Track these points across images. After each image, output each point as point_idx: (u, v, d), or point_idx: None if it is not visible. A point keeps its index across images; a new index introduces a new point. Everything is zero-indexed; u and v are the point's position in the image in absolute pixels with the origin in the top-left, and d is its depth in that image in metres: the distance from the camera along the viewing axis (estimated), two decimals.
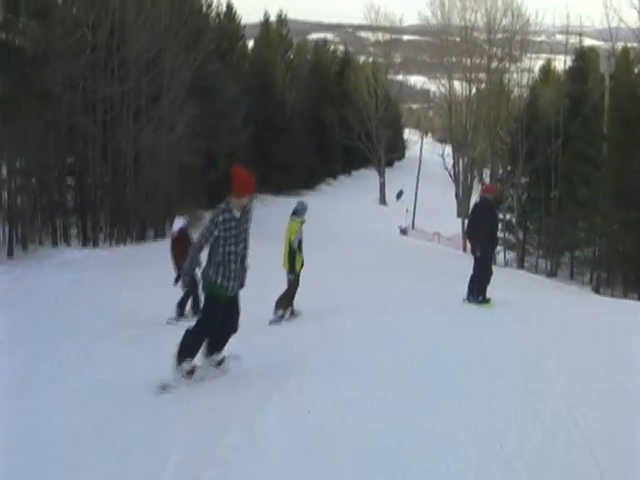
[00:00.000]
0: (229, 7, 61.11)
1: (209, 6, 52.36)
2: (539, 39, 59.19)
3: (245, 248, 9.12)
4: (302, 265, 14.45)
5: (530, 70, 54.50)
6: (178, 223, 16.30)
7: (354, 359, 10.15)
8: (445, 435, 7.00)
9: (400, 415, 7.58)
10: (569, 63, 48.86)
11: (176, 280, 14.92)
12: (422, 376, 9.01)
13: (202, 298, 10.09)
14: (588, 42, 55.69)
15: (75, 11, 33.23)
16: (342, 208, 57.34)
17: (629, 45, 44.18)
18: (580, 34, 50.04)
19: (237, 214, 9.08)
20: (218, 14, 57.76)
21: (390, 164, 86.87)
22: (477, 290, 15.51)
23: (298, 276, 14.39)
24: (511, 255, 46.23)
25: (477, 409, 7.73)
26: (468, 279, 15.74)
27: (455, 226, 51.17)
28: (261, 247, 24.10)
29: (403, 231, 52.57)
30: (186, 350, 8.94)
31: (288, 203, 56.75)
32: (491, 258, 16.30)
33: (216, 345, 9.21)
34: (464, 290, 15.85)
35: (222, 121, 44.02)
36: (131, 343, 12.13)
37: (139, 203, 34.58)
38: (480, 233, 15.49)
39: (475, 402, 7.96)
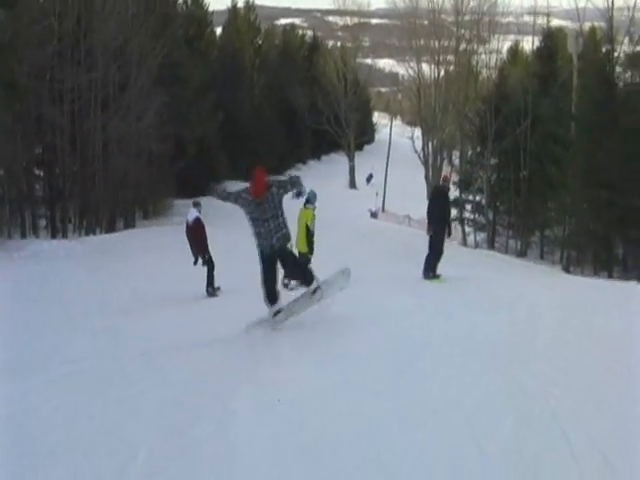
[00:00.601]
0: None
1: None
2: (507, 20, 59.25)
3: (275, 220, 10.95)
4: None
5: (498, 51, 54.57)
6: (192, 213, 17.60)
7: (325, 344, 10.08)
8: (416, 420, 6.94)
9: (371, 400, 7.51)
10: (537, 44, 48.95)
11: (195, 262, 17.28)
12: (392, 361, 8.93)
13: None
14: (556, 22, 55.87)
15: (42, 0, 32.94)
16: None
17: (596, 25, 44.30)
18: (548, 14, 50.15)
19: (256, 199, 10.88)
20: (185, 1, 57.40)
21: (360, 148, 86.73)
22: (431, 268, 16.87)
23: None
24: (481, 236, 46.38)
25: (448, 392, 7.68)
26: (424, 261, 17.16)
27: (425, 208, 51.26)
28: (230, 237, 24.05)
29: (373, 214, 52.58)
30: (265, 299, 11.25)
31: None
32: (443, 238, 17.22)
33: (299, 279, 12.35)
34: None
35: (191, 108, 43.86)
36: (101, 334, 12.03)
37: (108, 193, 34.36)
38: (433, 216, 17.20)
39: (446, 385, 7.90)
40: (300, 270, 11.95)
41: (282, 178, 11.82)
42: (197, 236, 17.23)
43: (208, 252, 17.27)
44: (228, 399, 7.72)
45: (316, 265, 12.91)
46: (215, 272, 17.33)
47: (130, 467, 6.12)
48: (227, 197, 11.31)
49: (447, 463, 6.00)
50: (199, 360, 9.51)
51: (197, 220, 17.42)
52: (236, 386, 8.15)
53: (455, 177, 49.86)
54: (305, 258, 15.85)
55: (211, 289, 17.28)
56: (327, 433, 6.68)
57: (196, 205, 17.84)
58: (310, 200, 15.76)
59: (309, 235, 16.23)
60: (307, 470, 5.99)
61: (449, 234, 17.79)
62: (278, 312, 11.21)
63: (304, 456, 6.22)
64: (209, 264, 17.27)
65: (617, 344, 9.76)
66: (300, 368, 8.85)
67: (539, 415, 6.93)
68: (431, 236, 17.10)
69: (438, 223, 17.16)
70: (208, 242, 17.30)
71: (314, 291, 11.44)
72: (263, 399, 7.69)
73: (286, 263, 11.35)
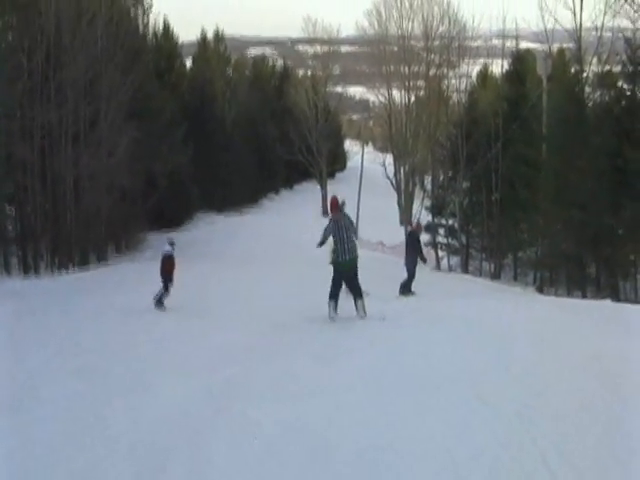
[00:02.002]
0: (166, 26, 60.86)
1: (145, 26, 52.00)
2: (476, 44, 59.62)
3: (348, 236, 14.95)
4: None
5: (468, 75, 54.84)
6: (167, 248, 20.93)
7: (298, 376, 9.99)
8: (395, 451, 6.87)
9: (350, 432, 7.43)
10: (506, 67, 49.22)
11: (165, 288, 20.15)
12: (369, 392, 8.85)
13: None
14: (524, 45, 56.17)
15: (10, 37, 32.85)
16: (285, 222, 57.36)
17: (565, 46, 44.62)
18: (516, 37, 50.46)
19: (335, 220, 15.25)
20: (155, 34, 57.48)
21: (332, 176, 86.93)
22: (406, 288, 22.74)
23: None
24: (455, 260, 46.44)
25: (427, 421, 7.61)
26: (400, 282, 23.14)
27: (399, 235, 51.32)
28: (200, 266, 24.03)
29: None
30: (329, 301, 15.24)
31: (230, 221, 56.42)
32: (415, 267, 23.61)
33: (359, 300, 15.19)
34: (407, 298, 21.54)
35: (162, 141, 43.77)
36: (75, 375, 11.82)
37: (80, 229, 34.18)
38: (408, 254, 23.85)
39: (424, 414, 7.83)
40: (358, 289, 15.17)
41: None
42: (168, 268, 20.21)
43: (172, 280, 20.17)
44: (203, 438, 7.62)
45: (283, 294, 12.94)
46: (168, 295, 20.23)
47: None
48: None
49: None
50: (173, 399, 9.39)
51: (170, 256, 20.51)
52: (211, 423, 8.05)
53: (427, 202, 50.02)
54: None
55: (159, 304, 19.94)
56: (308, 472, 6.58)
57: (171, 244, 21.01)
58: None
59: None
60: None
61: (424, 261, 25.44)
62: (336, 314, 15.25)
63: None
64: (167, 287, 20.14)
65: (594, 366, 9.72)
66: (278, 400, 8.76)
67: (519, 442, 6.86)
68: (406, 265, 23.48)
69: (411, 256, 23.68)
70: (174, 273, 20.25)
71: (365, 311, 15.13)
72: (239, 437, 7.59)
73: (352, 279, 15.12)
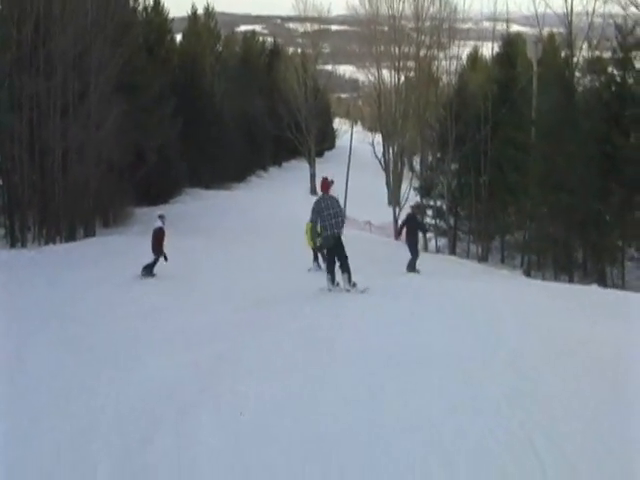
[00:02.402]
0: (156, 1, 60.38)
1: (136, 0, 51.57)
2: (467, 26, 59.47)
3: (334, 214, 15.84)
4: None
5: (458, 57, 54.73)
6: (158, 223, 22.16)
7: (287, 354, 9.98)
8: (381, 430, 6.87)
9: (335, 411, 7.44)
10: (497, 50, 49.16)
11: (165, 259, 21.39)
12: (357, 371, 8.84)
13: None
14: (515, 28, 56.12)
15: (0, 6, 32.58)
16: (273, 199, 57.19)
17: (555, 30, 44.58)
18: (507, 20, 50.39)
19: (323, 198, 16.28)
20: (145, 8, 56.97)
21: (320, 154, 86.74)
22: (412, 266, 23.71)
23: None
24: (442, 241, 46.50)
25: (413, 402, 7.60)
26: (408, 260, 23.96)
27: (386, 214, 51.32)
28: (188, 241, 24.05)
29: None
30: (327, 276, 16.28)
31: (218, 196, 56.23)
32: (417, 244, 25.24)
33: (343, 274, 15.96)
34: (395, 278, 21.31)
35: (151, 116, 43.54)
36: (61, 346, 11.79)
37: (68, 201, 33.93)
38: (409, 236, 24.84)
39: (412, 395, 7.82)
40: (347, 264, 15.92)
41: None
42: (159, 241, 21.44)
43: (163, 253, 21.37)
44: (190, 411, 7.61)
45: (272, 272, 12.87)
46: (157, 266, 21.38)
47: None
48: (314, 217, 16.05)
49: (414, 477, 5.92)
50: (159, 372, 9.38)
51: (161, 229, 21.75)
52: (198, 398, 8.04)
53: (416, 183, 50.01)
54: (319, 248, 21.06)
55: (147, 272, 21.06)
56: (293, 446, 6.58)
57: (161, 217, 22.52)
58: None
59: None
60: None
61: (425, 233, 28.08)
62: (334, 287, 16.15)
63: (268, 471, 6.12)
64: (157, 258, 21.30)
65: (582, 350, 9.75)
66: (266, 377, 8.76)
67: (506, 426, 6.86)
68: (409, 247, 24.43)
69: (412, 238, 24.81)
70: (164, 245, 21.49)
71: (354, 284, 15.79)
72: (225, 411, 7.59)
73: (340, 255, 16.00)
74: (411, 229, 25.15)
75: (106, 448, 6.80)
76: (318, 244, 18.32)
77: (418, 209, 31.38)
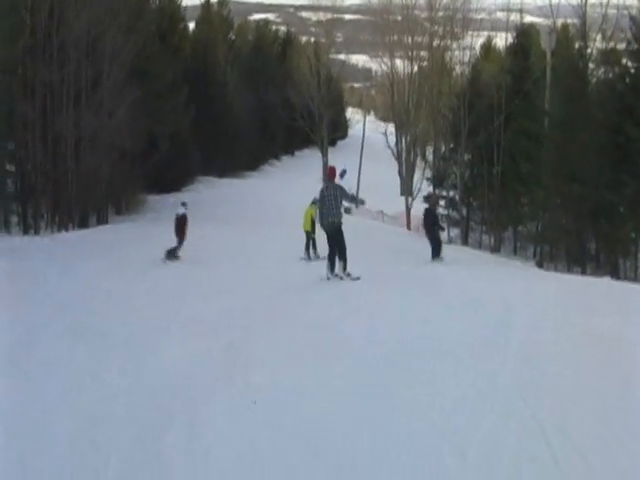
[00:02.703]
0: None
1: None
2: (480, 17, 59.29)
3: (335, 203, 16.48)
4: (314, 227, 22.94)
5: (472, 48, 54.58)
6: (181, 210, 23.59)
7: (299, 342, 10.01)
8: (393, 421, 6.88)
9: (347, 401, 7.45)
10: (510, 40, 49.01)
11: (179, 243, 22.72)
12: (367, 359, 8.86)
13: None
14: (529, 19, 55.89)
15: None
16: (286, 188, 57.15)
17: (569, 21, 44.41)
18: (521, 11, 50.19)
19: (326, 186, 17.13)
20: None
21: (333, 143, 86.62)
22: (437, 254, 23.77)
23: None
24: (455, 232, 46.42)
25: (425, 392, 7.61)
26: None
27: (399, 204, 51.29)
28: (201, 229, 24.12)
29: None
30: (327, 264, 16.72)
31: (232, 185, 56.22)
32: (437, 236, 24.71)
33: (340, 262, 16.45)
34: (408, 267, 21.21)
35: (164, 104, 43.57)
36: (71, 334, 11.81)
37: (80, 189, 34.03)
38: (427, 230, 24.68)
39: (423, 385, 7.83)
40: (343, 252, 16.43)
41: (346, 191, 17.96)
42: (182, 226, 22.94)
43: (182, 238, 22.76)
44: (202, 402, 7.63)
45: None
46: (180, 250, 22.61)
47: (101, 473, 6.02)
48: (319, 200, 17.03)
49: (425, 466, 5.94)
50: (172, 361, 9.41)
51: (184, 216, 23.27)
52: (211, 388, 8.06)
53: (428, 173, 49.98)
54: (312, 235, 23.56)
55: (171, 255, 22.16)
56: (304, 436, 6.60)
57: (184, 204, 24.07)
58: (315, 202, 20.72)
59: (313, 222, 22.98)
60: (285, 475, 5.92)
61: (442, 230, 27.31)
62: (332, 275, 16.55)
63: (281, 460, 6.14)
64: (181, 243, 22.68)
65: (594, 342, 9.73)
66: (279, 366, 8.79)
67: (518, 416, 6.87)
68: (430, 240, 24.38)
69: (430, 232, 24.53)
70: (187, 231, 23.02)
71: (348, 273, 16.28)
72: (238, 402, 7.61)
73: (339, 243, 16.41)
74: (428, 224, 25.08)
75: (118, 438, 6.82)
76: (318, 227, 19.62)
77: (435, 200, 32.17)
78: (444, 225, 29.85)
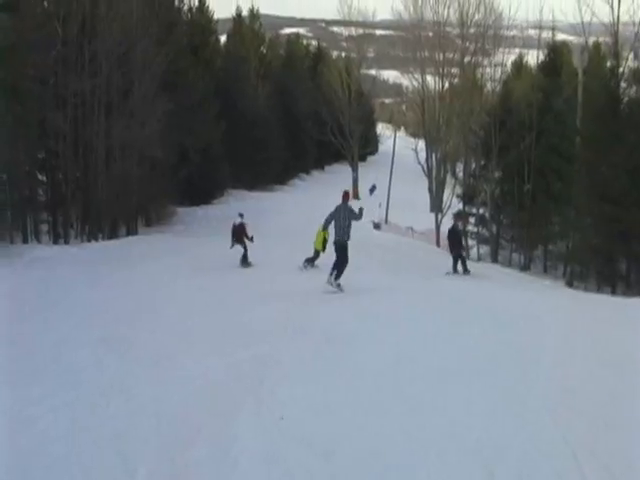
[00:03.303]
0: (201, 2, 60.46)
1: (181, 0, 51.78)
2: (512, 34, 59.16)
3: (343, 223, 18.23)
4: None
5: (503, 65, 54.44)
6: (238, 219, 25.84)
7: (327, 358, 9.96)
8: (422, 440, 6.82)
9: (375, 418, 7.39)
10: (541, 57, 48.84)
11: (231, 247, 25.10)
12: (396, 378, 8.81)
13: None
14: (560, 37, 55.71)
15: (46, 4, 32.89)
16: (316, 203, 57.15)
17: (600, 40, 44.23)
18: (553, 29, 50.02)
19: (338, 208, 18.62)
20: (190, 8, 57.15)
21: (363, 159, 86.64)
22: (465, 267, 26.55)
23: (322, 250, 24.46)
24: (485, 249, 46.19)
25: (454, 412, 7.54)
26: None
27: (428, 221, 51.11)
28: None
29: (376, 226, 52.32)
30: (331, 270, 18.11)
31: (261, 199, 56.30)
32: (461, 251, 27.78)
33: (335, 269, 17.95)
34: (437, 284, 21.32)
35: (195, 116, 43.71)
36: (100, 345, 11.82)
37: (110, 199, 34.15)
38: (453, 247, 27.14)
39: (452, 404, 7.76)
40: (341, 265, 18.07)
41: (356, 210, 18.63)
42: (241, 233, 25.20)
43: (245, 244, 25.09)
44: (230, 416, 7.59)
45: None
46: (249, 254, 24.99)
47: None
48: (329, 219, 18.80)
49: None
50: (201, 374, 9.38)
51: (241, 224, 25.51)
52: (238, 402, 8.02)
53: (459, 190, 49.81)
54: (320, 253, 24.45)
55: (245, 263, 24.81)
56: (332, 453, 6.55)
57: (241, 215, 26.09)
58: (326, 227, 20.62)
59: (324, 242, 23.83)
60: None
61: (461, 256, 27.73)
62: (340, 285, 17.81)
63: (310, 478, 6.09)
64: (245, 250, 24.99)
65: (626, 363, 9.63)
66: (306, 382, 8.74)
67: (549, 439, 6.79)
68: (453, 257, 26.97)
69: (455, 246, 27.08)
70: (247, 237, 25.34)
71: (338, 285, 17.70)
72: (266, 416, 7.57)
73: (339, 256, 18.17)
74: (453, 241, 27.52)
75: (145, 450, 6.80)
76: (323, 249, 23.86)
77: (461, 219, 33.80)
78: (463, 253, 30.16)
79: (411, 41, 63.39)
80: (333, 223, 18.78)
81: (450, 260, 27.39)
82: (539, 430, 6.99)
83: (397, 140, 66.92)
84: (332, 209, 18.89)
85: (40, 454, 6.79)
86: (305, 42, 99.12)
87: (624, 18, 37.88)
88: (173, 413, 7.81)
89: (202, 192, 48.67)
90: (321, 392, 8.30)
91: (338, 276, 17.91)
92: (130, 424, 7.56)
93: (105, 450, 6.88)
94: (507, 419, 7.31)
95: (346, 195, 19.31)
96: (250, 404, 7.96)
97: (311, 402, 7.97)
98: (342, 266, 18.10)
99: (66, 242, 31.33)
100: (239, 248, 25.10)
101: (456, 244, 27.73)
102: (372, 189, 71.68)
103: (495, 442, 6.70)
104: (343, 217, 18.41)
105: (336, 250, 18.54)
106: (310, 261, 24.61)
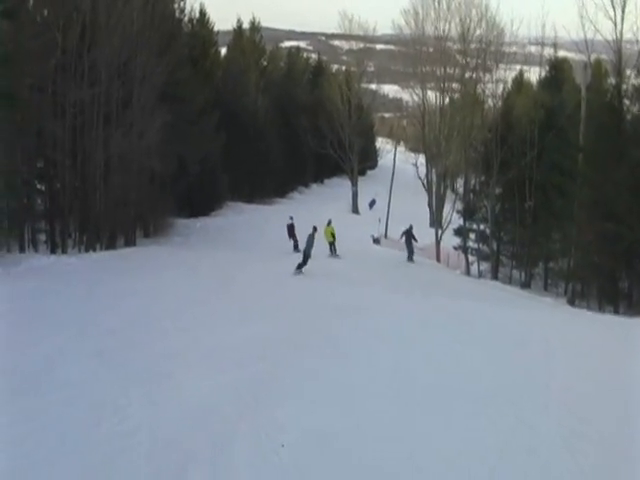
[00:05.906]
0: (202, 13, 60.32)
1: (182, 11, 51.64)
2: (513, 50, 59.09)
3: (311, 242, 25.63)
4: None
5: (504, 81, 54.33)
6: (290, 219, 32.70)
7: (327, 380, 9.66)
8: (430, 467, 6.52)
9: (378, 446, 7.10)
10: (543, 74, 48.73)
11: (295, 249, 30.92)
12: (397, 402, 8.51)
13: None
14: (562, 53, 55.65)
15: (46, 13, 32.70)
16: (314, 217, 56.97)
17: (602, 57, 44.11)
18: (555, 45, 49.93)
19: (311, 234, 26.28)
20: (191, 20, 57.04)
21: (363, 173, 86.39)
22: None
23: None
24: (485, 266, 45.92)
25: (464, 441, 7.24)
26: None
27: (428, 236, 50.94)
28: (227, 254, 23.70)
29: (376, 240, 52.07)
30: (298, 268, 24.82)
31: (259, 211, 56.23)
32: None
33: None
34: (438, 302, 19.46)
35: (194, 128, 43.51)
36: (94, 359, 11.51)
37: (109, 209, 33.85)
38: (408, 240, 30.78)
39: (462, 433, 7.46)
40: (304, 263, 24.98)
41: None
42: (293, 231, 31.32)
43: (296, 238, 30.99)
44: (227, 442, 7.28)
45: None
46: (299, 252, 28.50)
47: None
48: (309, 247, 25.73)
49: None
50: (196, 394, 9.07)
51: (291, 224, 31.88)
52: (236, 427, 7.71)
53: (459, 205, 49.60)
54: (333, 243, 30.43)
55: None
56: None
57: (291, 218, 32.74)
58: (330, 223, 29.05)
59: (333, 235, 30.15)
60: None
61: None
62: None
63: None
64: (297, 246, 30.21)
65: (635, 387, 9.33)
66: (305, 404, 8.43)
67: (564, 471, 6.48)
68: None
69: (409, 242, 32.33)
70: (296, 235, 31.08)
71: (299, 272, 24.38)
72: (265, 443, 7.25)
73: (304, 259, 25.10)
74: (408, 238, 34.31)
75: (136, 476, 6.48)
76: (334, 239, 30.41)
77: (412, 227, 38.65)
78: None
79: (412, 56, 63.34)
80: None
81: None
82: (553, 461, 6.75)
83: (397, 155, 66.84)
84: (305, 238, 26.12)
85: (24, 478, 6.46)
86: (305, 55, 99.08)
87: (627, 35, 37.78)
88: (166, 438, 7.52)
89: (200, 204, 48.47)
90: (320, 418, 7.98)
91: (301, 267, 25.19)
92: (121, 448, 7.26)
93: (94, 475, 6.57)
94: (521, 449, 7.05)
95: (314, 229, 26.95)
96: (248, 430, 7.64)
97: (310, 429, 7.64)
98: (306, 262, 25.35)
99: (64, 252, 31.01)
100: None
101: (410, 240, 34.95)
102: (372, 203, 71.63)
103: (509, 473, 6.45)
104: (313, 240, 26.09)
105: (306, 256, 25.63)
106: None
